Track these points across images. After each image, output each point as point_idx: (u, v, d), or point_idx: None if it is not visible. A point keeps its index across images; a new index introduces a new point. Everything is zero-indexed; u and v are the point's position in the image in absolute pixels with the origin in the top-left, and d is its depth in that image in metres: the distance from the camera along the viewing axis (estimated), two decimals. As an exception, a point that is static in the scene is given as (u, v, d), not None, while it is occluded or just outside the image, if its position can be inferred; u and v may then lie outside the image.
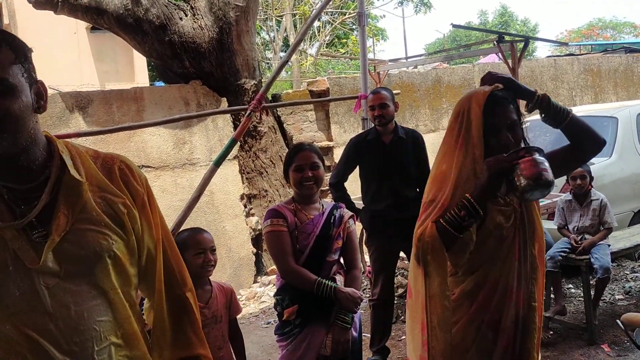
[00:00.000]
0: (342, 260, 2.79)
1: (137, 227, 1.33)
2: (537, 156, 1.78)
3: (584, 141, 1.96)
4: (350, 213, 2.82)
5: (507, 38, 5.45)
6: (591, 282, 4.52)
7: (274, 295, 2.75)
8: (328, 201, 2.92)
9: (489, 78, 1.97)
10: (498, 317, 1.93)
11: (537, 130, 6.67)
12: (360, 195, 4.26)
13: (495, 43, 5.33)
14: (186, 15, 6.19)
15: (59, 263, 1.20)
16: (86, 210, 1.25)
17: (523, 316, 1.94)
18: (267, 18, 17.30)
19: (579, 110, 7.35)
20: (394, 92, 6.56)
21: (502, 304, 1.93)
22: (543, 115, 1.97)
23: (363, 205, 4.23)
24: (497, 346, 1.93)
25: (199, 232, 2.68)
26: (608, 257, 4.32)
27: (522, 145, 1.97)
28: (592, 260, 4.29)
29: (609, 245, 4.47)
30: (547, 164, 1.78)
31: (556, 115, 1.94)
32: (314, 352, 2.53)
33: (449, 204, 1.87)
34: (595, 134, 1.96)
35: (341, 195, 4.11)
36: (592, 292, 4.42)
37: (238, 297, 6.12)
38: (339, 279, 2.67)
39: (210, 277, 2.65)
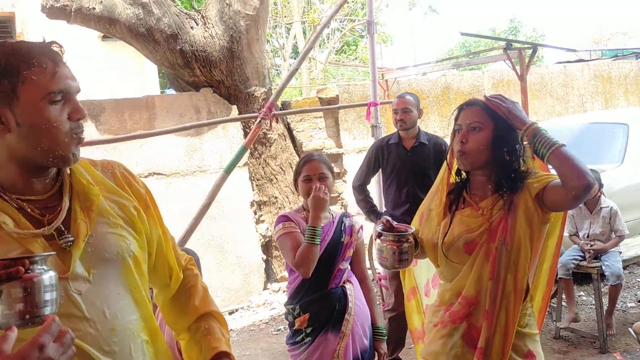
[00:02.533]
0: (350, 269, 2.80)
1: (146, 226, 1.39)
2: (383, 244, 1.98)
3: (566, 178, 1.79)
4: (360, 223, 2.82)
5: (515, 45, 5.45)
6: (602, 290, 4.50)
7: (285, 305, 2.75)
8: (337, 210, 2.93)
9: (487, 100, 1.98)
10: (475, 334, 1.93)
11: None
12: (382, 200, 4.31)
13: (504, 50, 5.33)
14: (197, 25, 6.25)
15: (87, 269, 1.23)
16: (102, 214, 1.29)
17: (491, 338, 1.90)
18: (276, 25, 17.38)
19: (589, 117, 7.33)
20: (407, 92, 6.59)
21: (479, 321, 1.93)
22: (531, 145, 1.90)
23: (385, 210, 4.23)
24: None
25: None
26: (619, 264, 4.31)
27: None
28: (603, 267, 4.27)
29: (620, 253, 4.45)
30: (391, 253, 1.96)
31: (538, 150, 1.86)
32: None
33: None
34: (579, 172, 1.76)
35: (363, 198, 4.13)
36: (604, 300, 4.40)
37: (248, 303, 6.14)
38: (349, 287, 2.67)
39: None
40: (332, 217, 2.71)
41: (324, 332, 2.55)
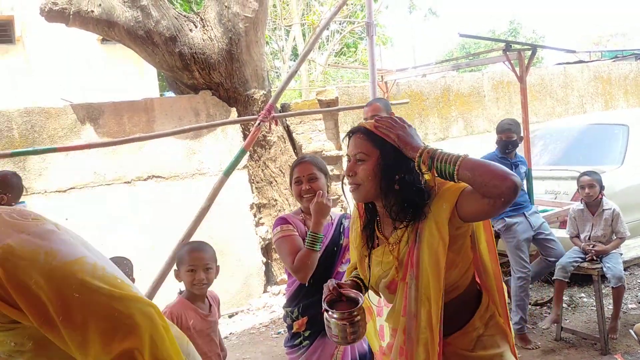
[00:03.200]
0: None
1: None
2: (337, 321, 1.78)
3: (488, 187, 1.57)
4: None
5: (514, 46, 5.44)
6: (603, 292, 4.49)
7: (284, 307, 2.74)
8: (337, 211, 2.90)
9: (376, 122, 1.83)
10: None
11: (547, 139, 6.65)
12: None
13: (503, 52, 5.32)
14: (196, 27, 6.24)
15: None
16: None
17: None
18: (275, 28, 17.38)
19: (589, 118, 7.32)
20: (403, 101, 6.60)
21: (395, 358, 1.86)
22: (435, 170, 1.69)
23: None
24: None
25: (196, 248, 2.67)
26: (620, 265, 4.30)
27: None
28: (604, 269, 4.26)
29: (621, 254, 4.44)
30: (333, 327, 1.79)
31: (442, 172, 1.66)
32: None
33: None
34: (500, 175, 1.56)
35: None
36: (605, 302, 4.38)
37: (248, 307, 6.13)
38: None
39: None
40: (332, 219, 2.69)
41: (322, 335, 2.53)
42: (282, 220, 2.64)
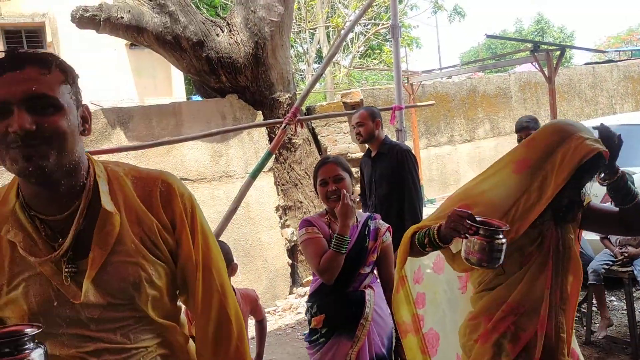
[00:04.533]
0: (375, 273, 2.75)
1: (176, 252, 1.31)
2: (494, 242, 1.68)
3: (636, 227, 2.00)
4: (387, 225, 2.77)
5: (542, 47, 5.38)
6: (635, 295, 4.41)
7: (306, 301, 2.75)
8: (362, 212, 2.90)
9: (605, 134, 1.95)
10: (524, 341, 1.89)
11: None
12: None
13: (531, 52, 5.28)
14: (222, 32, 6.32)
15: (102, 295, 1.20)
16: (123, 241, 1.22)
17: (552, 348, 1.89)
18: (300, 31, 17.47)
19: (619, 119, 7.19)
20: (429, 103, 6.58)
21: (529, 330, 1.89)
22: (612, 191, 1.97)
23: None
24: None
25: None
26: (652, 268, 4.22)
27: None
28: (635, 272, 4.19)
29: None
30: (491, 250, 1.68)
31: (625, 197, 1.96)
32: None
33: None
34: None
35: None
36: (636, 305, 4.31)
37: (274, 307, 6.17)
38: (369, 292, 2.62)
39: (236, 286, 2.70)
40: (357, 221, 2.67)
41: (338, 334, 2.53)
42: (307, 223, 2.64)
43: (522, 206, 1.85)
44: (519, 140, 4.62)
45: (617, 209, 1.98)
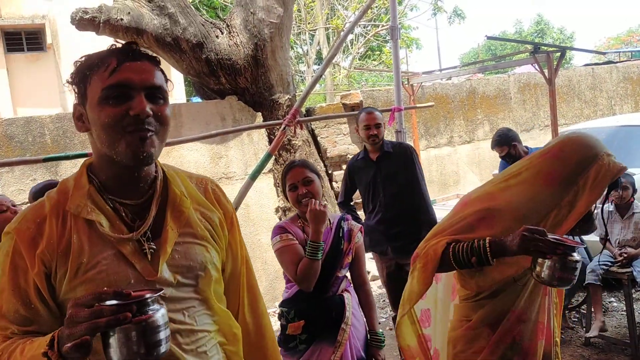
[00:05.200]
0: (348, 276, 2.71)
1: (226, 244, 1.45)
2: (570, 259, 1.65)
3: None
4: (359, 225, 2.75)
5: (542, 48, 5.38)
6: (634, 296, 4.41)
7: (279, 306, 2.67)
8: (334, 213, 2.80)
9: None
10: (530, 352, 1.87)
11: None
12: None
13: (531, 54, 5.28)
14: (222, 33, 6.33)
15: (173, 274, 1.29)
16: (190, 224, 1.35)
17: (547, 354, 1.90)
18: (300, 32, 17.48)
19: (619, 120, 7.20)
20: (428, 104, 6.59)
21: (532, 339, 1.87)
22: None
23: (364, 219, 4.32)
24: None
25: None
26: (651, 269, 4.22)
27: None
28: (634, 273, 4.19)
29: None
30: (574, 269, 1.66)
31: (590, 227, 1.95)
32: None
33: (492, 233, 1.81)
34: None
35: (347, 211, 4.20)
36: (635, 307, 4.31)
37: (274, 309, 6.16)
38: (347, 296, 2.60)
39: None
40: (330, 223, 2.63)
41: (319, 340, 2.49)
42: (281, 229, 2.58)
43: (552, 220, 1.82)
44: (505, 156, 4.61)
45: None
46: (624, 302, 4.70)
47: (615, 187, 1.85)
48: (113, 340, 1.03)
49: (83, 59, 1.27)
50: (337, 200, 4.44)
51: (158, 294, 1.10)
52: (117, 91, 1.20)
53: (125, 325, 1.03)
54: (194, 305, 1.33)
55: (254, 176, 4.29)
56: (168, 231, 1.30)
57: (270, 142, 6.18)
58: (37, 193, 3.32)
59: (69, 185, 1.30)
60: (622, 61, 11.67)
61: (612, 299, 5.25)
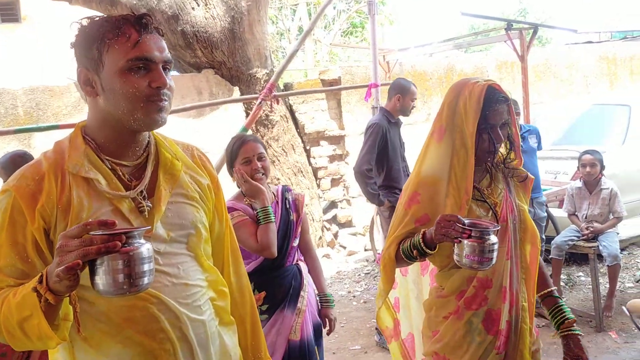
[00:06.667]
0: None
1: (212, 207, 1.54)
2: (485, 242, 1.67)
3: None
4: (303, 194, 2.81)
5: (516, 26, 5.42)
6: (600, 270, 4.53)
7: None
8: (272, 185, 2.80)
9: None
10: (495, 317, 1.92)
11: (549, 119, 6.64)
12: None
13: (505, 30, 5.31)
14: (198, 5, 6.25)
15: (166, 231, 1.38)
16: (181, 186, 1.44)
17: (516, 317, 1.92)
18: (282, 7, 17.28)
19: (592, 99, 7.31)
20: (408, 79, 6.60)
21: (497, 304, 1.92)
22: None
23: (382, 186, 4.29)
24: (493, 347, 1.91)
25: None
26: (616, 244, 4.33)
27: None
28: (600, 248, 4.30)
29: (618, 234, 4.47)
30: (491, 251, 1.67)
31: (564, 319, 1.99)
32: (283, 338, 2.53)
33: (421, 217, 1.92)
34: None
35: (373, 182, 4.21)
36: (601, 280, 4.43)
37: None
38: (303, 265, 2.70)
39: None
40: (275, 197, 2.67)
41: (281, 309, 2.56)
42: (231, 209, 2.54)
43: (457, 167, 1.88)
44: None
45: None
46: (590, 277, 4.83)
47: (495, 105, 1.86)
48: (100, 269, 1.10)
49: (86, 22, 1.32)
50: (355, 168, 4.26)
51: (144, 229, 1.17)
52: (141, 63, 1.29)
53: (114, 254, 1.09)
54: (187, 261, 1.41)
55: (228, 150, 4.29)
56: (161, 191, 1.39)
57: (247, 116, 6.16)
58: (5, 164, 3.30)
59: (64, 146, 1.36)
60: (602, 41, 11.75)
61: (580, 274, 5.38)
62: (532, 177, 2.07)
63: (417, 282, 2.39)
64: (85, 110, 4.98)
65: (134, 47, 1.28)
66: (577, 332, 1.93)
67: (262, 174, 2.57)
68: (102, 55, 1.29)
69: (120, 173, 1.37)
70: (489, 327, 1.92)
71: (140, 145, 1.41)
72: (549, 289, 2.01)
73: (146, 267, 1.13)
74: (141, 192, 1.37)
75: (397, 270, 2.29)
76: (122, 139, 1.37)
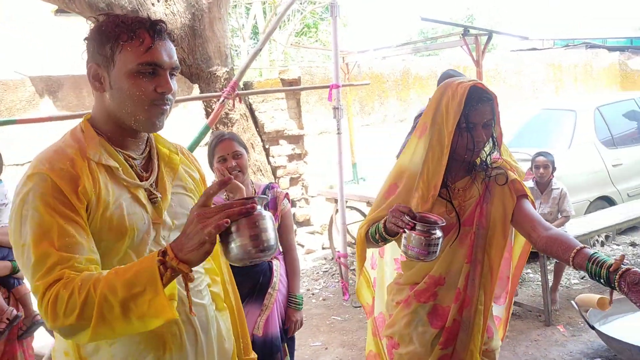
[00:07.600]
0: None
1: None
2: (432, 237, 1.74)
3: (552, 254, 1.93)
4: (285, 192, 2.86)
5: (472, 31, 5.63)
6: (548, 267, 4.75)
7: None
8: (259, 183, 2.87)
9: None
10: (441, 313, 2.01)
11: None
12: None
13: (461, 36, 5.51)
14: (158, 1, 6.17)
15: (171, 219, 1.48)
16: (180, 178, 1.56)
17: (467, 317, 1.98)
18: (236, 5, 17.15)
19: (540, 104, 7.63)
20: (364, 82, 6.73)
21: (446, 302, 2.00)
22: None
23: None
24: (438, 341, 2.00)
25: None
26: (564, 242, 4.55)
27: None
28: (549, 245, 4.51)
29: (566, 232, 4.70)
30: (435, 245, 1.75)
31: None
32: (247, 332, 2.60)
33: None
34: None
35: None
36: (549, 277, 4.65)
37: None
38: (276, 263, 2.73)
39: None
40: (255, 193, 2.72)
41: (245, 303, 2.53)
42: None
43: (431, 162, 1.97)
44: None
45: (542, 222, 1.96)
46: (539, 273, 5.06)
47: (477, 105, 1.93)
48: (236, 234, 1.17)
49: (106, 20, 1.38)
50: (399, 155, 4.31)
51: (263, 196, 1.27)
52: (150, 68, 1.35)
53: (250, 216, 1.17)
54: None
55: (191, 149, 4.28)
56: (165, 182, 1.49)
57: (207, 114, 6.14)
58: None
59: (79, 135, 1.41)
60: (546, 48, 12.24)
61: (529, 271, 5.63)
62: (517, 179, 2.03)
63: (391, 262, 2.47)
64: (41, 106, 4.90)
65: (146, 52, 1.34)
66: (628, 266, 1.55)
67: (239, 171, 2.60)
68: (114, 54, 1.35)
69: (132, 164, 1.45)
70: (433, 321, 2.02)
71: (142, 140, 1.49)
72: (577, 247, 1.70)
73: (273, 234, 1.21)
74: (151, 183, 1.46)
75: (375, 251, 2.44)
76: (127, 134, 1.44)
